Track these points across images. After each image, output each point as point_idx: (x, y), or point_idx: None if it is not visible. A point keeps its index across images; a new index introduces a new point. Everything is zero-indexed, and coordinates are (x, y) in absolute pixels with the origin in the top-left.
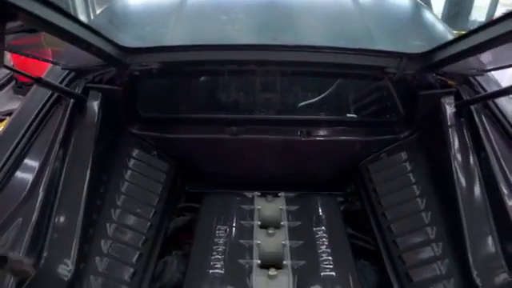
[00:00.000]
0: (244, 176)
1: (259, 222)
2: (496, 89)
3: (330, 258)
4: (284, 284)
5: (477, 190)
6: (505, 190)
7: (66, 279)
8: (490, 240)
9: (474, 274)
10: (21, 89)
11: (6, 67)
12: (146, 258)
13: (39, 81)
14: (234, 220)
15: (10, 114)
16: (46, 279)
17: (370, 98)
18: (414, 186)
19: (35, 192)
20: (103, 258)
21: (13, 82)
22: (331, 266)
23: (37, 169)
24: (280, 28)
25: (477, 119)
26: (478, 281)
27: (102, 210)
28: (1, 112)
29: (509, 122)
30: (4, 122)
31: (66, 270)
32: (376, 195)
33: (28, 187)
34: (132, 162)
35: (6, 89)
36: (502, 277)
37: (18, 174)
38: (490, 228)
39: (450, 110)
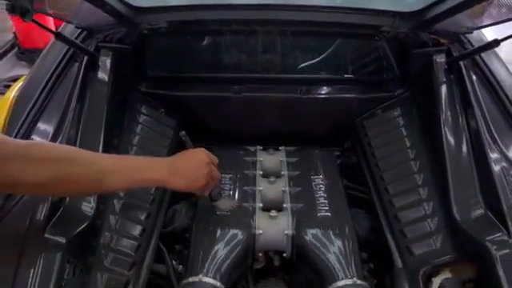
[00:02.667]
0: (247, 132)
1: (261, 172)
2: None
3: (326, 201)
4: (284, 223)
5: (462, 140)
6: (487, 142)
7: (90, 215)
8: (470, 184)
9: (454, 210)
10: (24, 55)
11: (34, 22)
12: (158, 203)
13: (58, 35)
14: (238, 170)
15: (14, 80)
16: (73, 214)
17: (366, 58)
18: (406, 139)
19: (56, 141)
20: (120, 200)
21: (15, 49)
22: (327, 208)
23: (57, 122)
24: None
25: (465, 75)
26: (457, 215)
27: None
28: (5, 78)
29: (495, 78)
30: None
31: (88, 207)
32: (370, 148)
33: (50, 137)
34: (142, 117)
35: (10, 55)
36: (478, 212)
37: (40, 126)
38: (471, 174)
39: (440, 66)
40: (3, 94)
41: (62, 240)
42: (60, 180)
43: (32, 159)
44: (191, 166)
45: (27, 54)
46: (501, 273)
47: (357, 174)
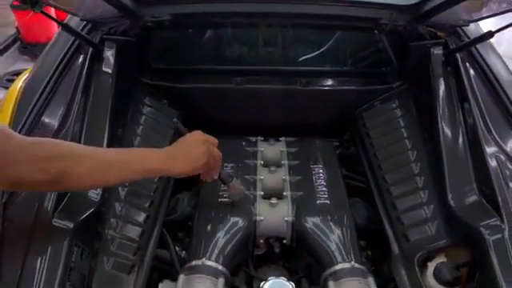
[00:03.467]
0: (248, 123)
1: (262, 162)
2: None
3: (325, 189)
4: (284, 210)
5: (457, 131)
6: (482, 132)
7: (95, 202)
8: (465, 173)
9: (450, 197)
10: (26, 49)
11: (43, 13)
12: (161, 191)
13: (65, 26)
14: (240, 160)
15: (17, 73)
16: (79, 201)
17: (365, 51)
18: (403, 130)
19: (62, 132)
20: (124, 188)
21: (18, 43)
22: (326, 196)
23: (63, 113)
24: None
25: (462, 67)
26: (452, 202)
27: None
28: (8, 72)
29: (491, 70)
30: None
31: (94, 194)
32: (369, 138)
33: (56, 127)
34: (145, 108)
35: (12, 49)
36: (473, 199)
37: (46, 116)
38: (466, 163)
39: (437, 59)
40: (7, 87)
41: (70, 225)
42: (67, 176)
43: (38, 157)
44: (188, 148)
45: (29, 48)
46: (493, 256)
47: (355, 164)
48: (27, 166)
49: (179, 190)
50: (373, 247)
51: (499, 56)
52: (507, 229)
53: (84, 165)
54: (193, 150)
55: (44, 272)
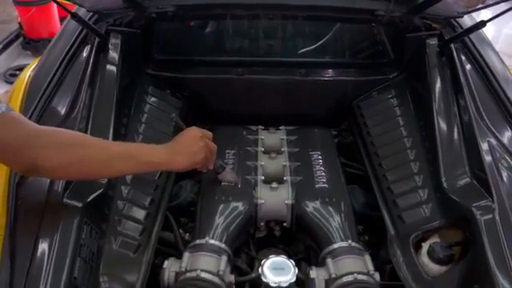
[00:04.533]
0: (248, 112)
1: (263, 149)
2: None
3: (324, 174)
4: (284, 194)
5: (451, 117)
6: (475, 118)
7: (103, 184)
8: (458, 157)
9: (443, 179)
10: (29, 45)
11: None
12: (165, 177)
13: (75, 16)
14: (241, 147)
15: (20, 69)
16: (87, 183)
17: (362, 43)
18: (399, 118)
19: (69, 120)
20: (128, 177)
21: (20, 39)
22: (324, 180)
23: (70, 101)
24: None
25: (456, 58)
26: (446, 185)
27: (126, 136)
28: (12, 67)
29: (484, 60)
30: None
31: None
32: (366, 127)
33: (64, 115)
34: (149, 97)
35: (15, 44)
36: (465, 181)
37: (54, 104)
38: (459, 148)
39: (432, 50)
40: (10, 82)
41: (79, 204)
42: (75, 164)
43: (50, 144)
44: (187, 144)
45: (32, 43)
46: (484, 235)
47: (353, 152)
48: (41, 153)
49: (182, 177)
50: (370, 232)
51: (492, 48)
52: (497, 209)
53: (93, 154)
54: (192, 146)
55: (56, 247)
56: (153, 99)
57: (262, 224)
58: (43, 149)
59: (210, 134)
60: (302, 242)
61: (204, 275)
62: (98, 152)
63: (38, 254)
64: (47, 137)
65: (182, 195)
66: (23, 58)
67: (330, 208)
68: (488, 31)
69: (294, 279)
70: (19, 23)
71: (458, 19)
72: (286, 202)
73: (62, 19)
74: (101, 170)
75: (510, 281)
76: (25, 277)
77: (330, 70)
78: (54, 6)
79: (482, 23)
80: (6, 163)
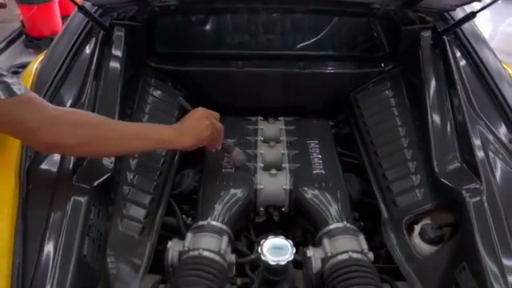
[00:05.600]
0: (248, 104)
1: (262, 138)
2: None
3: (320, 161)
4: (282, 180)
5: (444, 107)
6: (465, 106)
7: (109, 168)
8: (450, 143)
9: (435, 164)
10: (31, 42)
11: None
12: (168, 164)
13: (82, 8)
14: (241, 136)
15: (22, 66)
16: (95, 167)
17: (359, 36)
18: (394, 109)
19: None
20: (134, 160)
21: (23, 37)
22: (321, 167)
23: (76, 93)
24: None
25: (449, 50)
26: (437, 169)
27: None
28: (14, 65)
29: (475, 52)
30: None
31: (108, 162)
32: (362, 118)
33: (70, 106)
34: (151, 89)
35: (18, 43)
36: (456, 165)
37: (61, 95)
38: (451, 135)
39: (426, 42)
40: None
41: (87, 186)
42: (91, 142)
43: (68, 123)
44: (193, 123)
45: (34, 41)
46: (472, 216)
47: (350, 142)
48: (60, 131)
49: (184, 166)
50: (366, 219)
51: (484, 41)
52: (485, 192)
53: (106, 133)
54: (197, 125)
55: (66, 226)
56: (155, 91)
57: (262, 209)
58: (62, 127)
59: (216, 114)
60: (300, 226)
61: (206, 254)
62: (111, 131)
63: (49, 232)
64: (65, 116)
65: (184, 183)
66: (25, 55)
67: (327, 192)
68: (485, 29)
69: (291, 258)
70: (21, 21)
71: (450, 12)
72: (284, 187)
73: (63, 17)
74: (114, 148)
75: (494, 257)
76: (37, 253)
77: (327, 63)
78: (56, 4)
79: (472, 14)
80: (26, 141)
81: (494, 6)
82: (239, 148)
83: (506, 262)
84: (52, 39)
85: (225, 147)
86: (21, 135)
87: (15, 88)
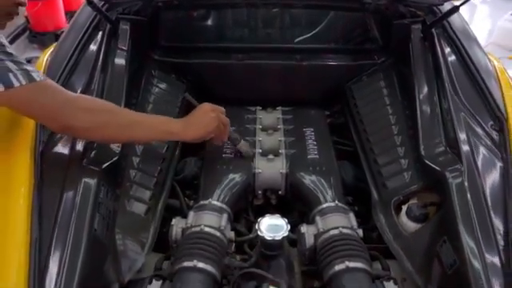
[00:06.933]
0: (248, 95)
1: (260, 126)
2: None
3: (316, 147)
4: (279, 164)
5: (431, 96)
6: (451, 95)
7: (117, 153)
8: (436, 130)
9: (421, 148)
10: (35, 38)
11: None
12: (171, 151)
13: (90, 2)
14: (241, 125)
15: (27, 61)
16: (104, 151)
17: (354, 30)
18: (386, 98)
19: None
20: (140, 147)
21: (27, 32)
22: (316, 152)
23: (84, 84)
24: None
25: (437, 42)
26: (423, 153)
27: None
28: None
29: (461, 43)
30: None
31: (115, 146)
32: (356, 107)
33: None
34: (155, 81)
35: (22, 38)
36: (441, 149)
37: (70, 86)
38: (437, 122)
39: (416, 35)
40: None
41: (97, 168)
42: (103, 127)
43: (80, 108)
44: (199, 117)
45: (38, 37)
46: (454, 195)
47: (344, 131)
48: (76, 116)
49: (187, 154)
50: (359, 204)
51: (471, 34)
52: (466, 173)
53: (115, 119)
54: (204, 118)
55: (78, 203)
56: (159, 82)
57: (260, 192)
58: (78, 112)
59: (222, 108)
60: (296, 209)
61: (207, 229)
62: (123, 118)
63: (63, 209)
64: (80, 102)
65: (186, 170)
66: (30, 51)
67: (320, 175)
68: (484, 24)
69: (286, 234)
70: (26, 17)
71: (439, 7)
72: (281, 171)
73: (67, 13)
74: (123, 134)
75: (472, 232)
76: (52, 227)
77: (323, 56)
78: (60, 0)
79: (456, 7)
80: (44, 123)
81: (493, 2)
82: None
83: (482, 235)
84: (56, 35)
85: (231, 140)
86: (40, 118)
87: (34, 75)
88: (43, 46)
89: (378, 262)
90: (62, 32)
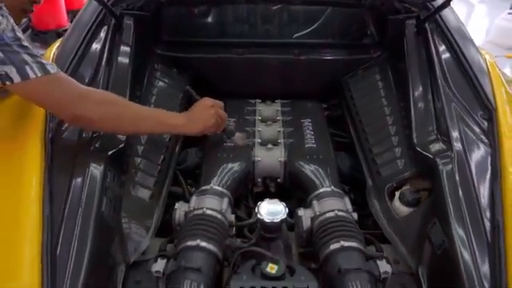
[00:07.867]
0: (247, 88)
1: (260, 118)
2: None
3: (313, 137)
4: (278, 153)
5: (425, 88)
6: (443, 87)
7: (123, 140)
8: (428, 119)
9: (414, 136)
10: (37, 36)
11: None
12: (174, 141)
13: None
14: (241, 116)
15: None
16: (110, 140)
17: (350, 25)
18: (381, 91)
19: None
20: (144, 136)
21: (29, 31)
22: (313, 142)
23: (90, 77)
24: None
25: (430, 37)
26: (416, 141)
27: None
28: None
29: (453, 38)
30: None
31: (121, 135)
32: (352, 100)
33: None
34: (158, 74)
35: (24, 36)
36: (432, 138)
37: (76, 79)
38: (430, 113)
39: (410, 30)
40: None
41: (104, 155)
42: (112, 119)
43: (93, 100)
44: (200, 112)
45: (40, 35)
46: (444, 180)
47: (341, 124)
48: (87, 107)
49: (188, 145)
50: (355, 192)
51: (462, 30)
52: (456, 160)
53: (128, 112)
54: (204, 114)
55: (87, 186)
56: (162, 76)
57: (259, 180)
58: (88, 104)
59: (221, 103)
60: (295, 196)
61: (209, 212)
62: (131, 111)
63: (72, 192)
64: (91, 94)
65: (188, 160)
66: (33, 49)
67: (317, 162)
68: (481, 23)
69: (284, 217)
70: (28, 15)
71: (432, 2)
72: (280, 159)
73: (69, 12)
74: (130, 126)
75: (460, 214)
76: (62, 209)
77: (321, 50)
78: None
79: (448, 1)
80: (56, 113)
81: (490, 1)
82: (240, 129)
83: (470, 217)
84: (58, 33)
85: (226, 132)
86: (52, 108)
87: (49, 67)
88: (45, 44)
89: (372, 247)
90: (64, 30)
